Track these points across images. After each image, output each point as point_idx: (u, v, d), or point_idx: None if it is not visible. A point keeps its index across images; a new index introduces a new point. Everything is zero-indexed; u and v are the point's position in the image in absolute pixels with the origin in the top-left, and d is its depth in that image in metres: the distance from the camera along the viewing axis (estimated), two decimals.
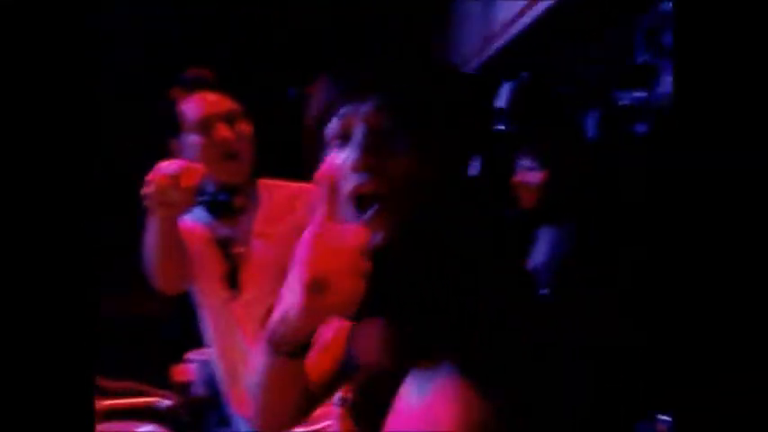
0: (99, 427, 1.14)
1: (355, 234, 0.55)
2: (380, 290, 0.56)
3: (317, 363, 0.70)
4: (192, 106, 1.24)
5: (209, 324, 1.29)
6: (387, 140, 0.56)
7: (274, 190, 1.35)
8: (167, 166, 1.09)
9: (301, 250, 0.56)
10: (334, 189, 0.57)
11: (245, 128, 1.25)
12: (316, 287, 0.54)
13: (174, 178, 1.08)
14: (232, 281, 1.26)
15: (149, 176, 1.09)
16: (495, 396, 0.52)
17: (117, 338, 1.96)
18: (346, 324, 0.73)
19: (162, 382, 1.67)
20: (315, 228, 0.56)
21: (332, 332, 0.71)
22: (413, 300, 0.56)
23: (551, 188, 1.41)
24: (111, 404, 1.18)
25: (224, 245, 1.28)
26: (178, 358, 1.68)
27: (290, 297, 0.57)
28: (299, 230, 1.29)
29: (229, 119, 1.23)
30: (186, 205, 1.13)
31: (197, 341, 1.47)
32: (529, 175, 1.56)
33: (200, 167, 1.12)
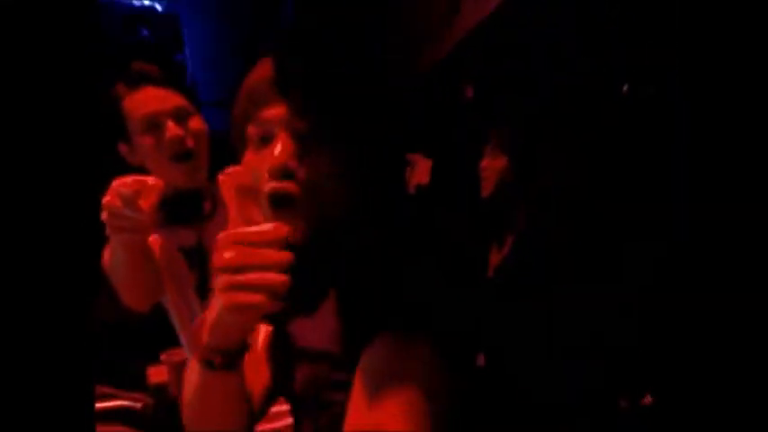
0: None
1: (272, 229, 0.53)
2: (309, 282, 0.57)
3: (255, 378, 0.67)
4: (136, 105, 1.15)
5: (183, 337, 1.26)
6: (305, 144, 0.56)
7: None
8: (121, 186, 0.95)
9: (217, 253, 0.55)
10: (243, 189, 0.57)
11: (198, 125, 1.17)
12: (233, 285, 0.52)
13: (130, 200, 0.94)
14: (205, 291, 1.20)
15: (104, 199, 0.96)
16: (450, 358, 0.53)
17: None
18: (270, 330, 0.72)
19: (137, 384, 1.67)
20: (228, 228, 0.56)
21: (261, 343, 0.70)
22: (350, 285, 0.57)
23: (509, 176, 1.43)
24: None
25: (193, 254, 1.22)
26: (154, 359, 1.68)
27: (215, 303, 0.56)
28: None
29: (179, 116, 1.15)
30: (148, 227, 1.01)
31: (172, 341, 1.45)
32: (492, 160, 1.59)
33: (158, 183, 0.99)
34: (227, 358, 0.59)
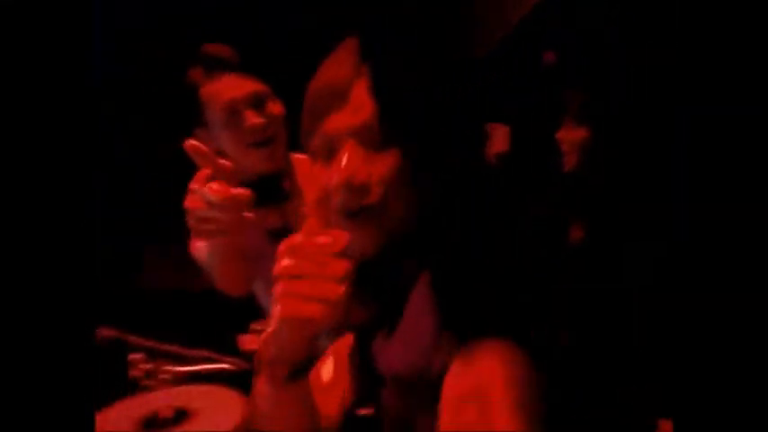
0: (180, 388, 1.25)
1: (331, 239, 0.51)
2: (386, 294, 0.55)
3: (325, 401, 0.63)
4: (214, 93, 1.12)
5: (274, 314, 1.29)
6: (374, 151, 0.54)
7: (307, 164, 1.28)
8: (208, 191, 0.87)
9: (277, 261, 0.54)
10: (322, 203, 0.56)
11: (276, 108, 1.14)
12: (289, 294, 0.51)
13: (222, 205, 0.87)
14: None
15: (187, 204, 0.90)
16: (535, 352, 0.50)
17: (185, 310, 2.13)
18: (344, 347, 0.68)
19: (230, 350, 1.80)
20: (291, 238, 0.54)
21: (332, 363, 0.66)
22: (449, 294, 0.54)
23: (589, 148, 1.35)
24: (188, 370, 1.30)
25: (280, 235, 1.21)
26: (244, 328, 1.80)
27: (274, 312, 0.54)
28: None
29: (257, 102, 1.12)
30: (239, 227, 0.91)
31: (260, 312, 1.53)
32: (570, 131, 1.51)
33: (246, 192, 0.89)
34: (290, 370, 0.56)
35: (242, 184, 1.14)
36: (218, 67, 1.13)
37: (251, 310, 1.61)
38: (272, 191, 1.22)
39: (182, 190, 1.01)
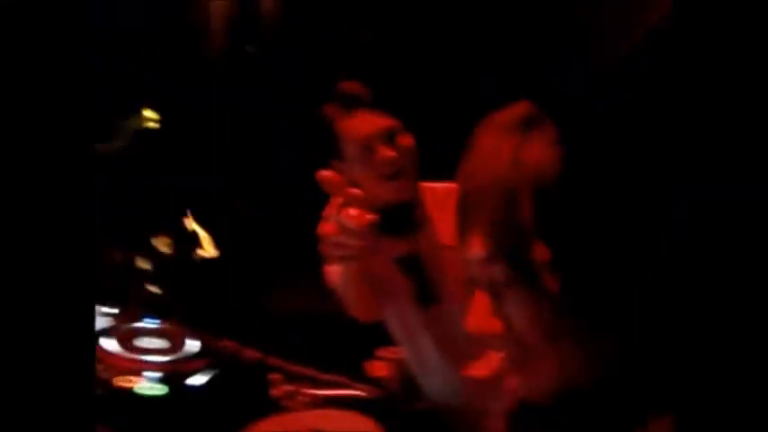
0: (318, 412, 1.29)
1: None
2: None
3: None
4: (351, 128, 1.19)
5: (403, 343, 1.30)
6: None
7: (437, 194, 1.27)
8: (345, 218, 0.90)
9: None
10: None
11: (407, 141, 1.20)
12: None
13: (357, 232, 0.90)
14: (427, 299, 1.23)
15: (323, 230, 0.94)
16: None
17: (313, 334, 2.21)
18: None
19: (356, 374, 1.83)
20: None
21: None
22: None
23: None
24: (326, 394, 1.35)
25: (409, 263, 1.23)
26: (369, 353, 1.82)
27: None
28: None
29: (389, 136, 1.18)
30: (368, 257, 0.97)
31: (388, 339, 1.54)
32: None
33: (371, 218, 0.90)
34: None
35: (373, 212, 1.19)
36: (352, 103, 1.21)
37: (379, 336, 1.64)
38: (401, 220, 1.25)
39: (310, 216, 1.09)
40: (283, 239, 2.45)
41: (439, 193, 1.28)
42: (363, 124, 1.19)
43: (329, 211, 0.94)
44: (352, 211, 0.90)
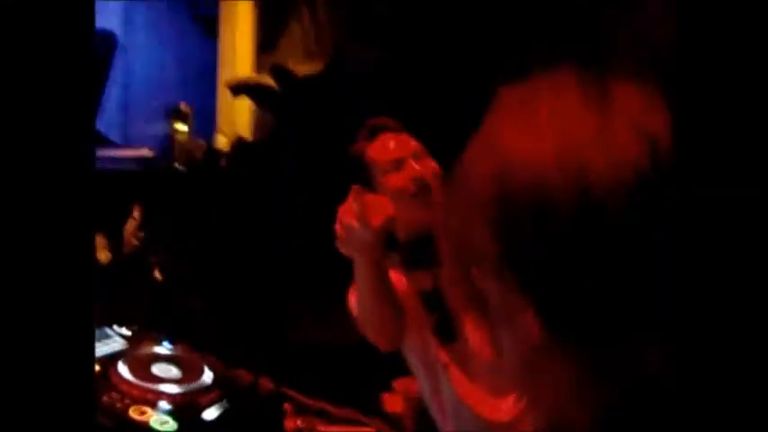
0: None
1: None
2: None
3: None
4: (380, 149, 1.23)
5: (422, 379, 1.26)
6: None
7: None
8: (354, 202, 1.03)
9: None
10: None
11: (434, 166, 1.22)
12: None
13: (360, 216, 1.03)
14: (446, 334, 1.21)
15: (340, 217, 1.05)
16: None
17: (330, 365, 2.18)
18: None
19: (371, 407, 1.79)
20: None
21: None
22: None
23: None
24: (338, 431, 1.32)
25: (431, 297, 1.22)
26: (386, 385, 1.79)
27: None
28: None
29: (417, 157, 1.21)
30: (379, 246, 1.07)
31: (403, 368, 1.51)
32: None
33: (386, 201, 1.07)
34: None
35: (399, 246, 1.19)
36: (379, 131, 1.25)
37: (395, 369, 1.60)
38: (425, 253, 1.24)
39: (325, 247, 1.15)
40: (301, 268, 2.45)
41: None
42: (393, 144, 1.23)
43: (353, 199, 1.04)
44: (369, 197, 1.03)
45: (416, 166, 1.19)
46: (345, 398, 1.71)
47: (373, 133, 1.26)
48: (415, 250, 1.23)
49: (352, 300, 1.23)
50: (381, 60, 2.62)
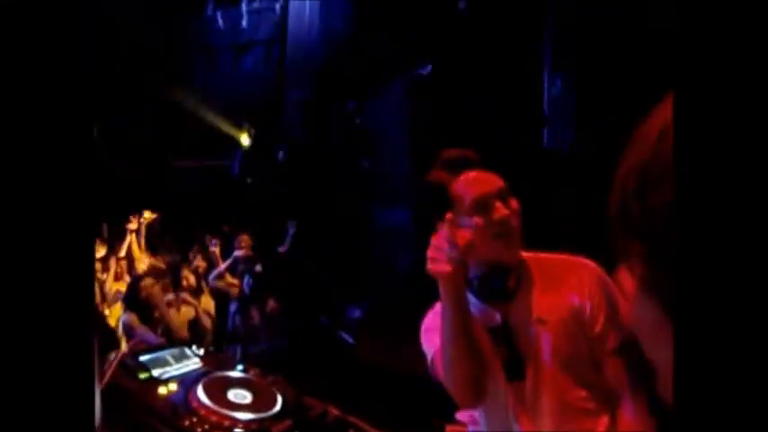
0: None
1: None
2: None
3: None
4: (467, 186, 1.24)
5: (485, 416, 1.27)
6: None
7: (543, 265, 1.28)
8: (445, 229, 1.13)
9: None
10: None
11: (516, 204, 1.23)
12: None
13: (449, 237, 1.11)
14: (514, 372, 1.21)
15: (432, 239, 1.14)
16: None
17: (394, 389, 2.19)
18: None
19: None
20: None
21: None
22: None
23: None
24: None
25: (499, 333, 1.23)
26: (449, 416, 1.78)
27: None
28: (576, 312, 1.25)
29: (503, 196, 1.22)
30: (463, 265, 1.13)
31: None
32: None
33: (467, 234, 1.13)
34: None
35: (473, 278, 1.19)
36: (462, 166, 1.26)
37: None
38: (496, 288, 1.25)
39: (395, 274, 1.16)
40: (371, 295, 2.48)
41: (544, 264, 1.27)
42: (480, 183, 1.23)
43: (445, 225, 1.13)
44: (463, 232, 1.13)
45: (503, 209, 1.20)
46: (409, 427, 1.71)
47: (452, 165, 1.26)
48: (487, 284, 1.24)
49: (437, 361, 1.23)
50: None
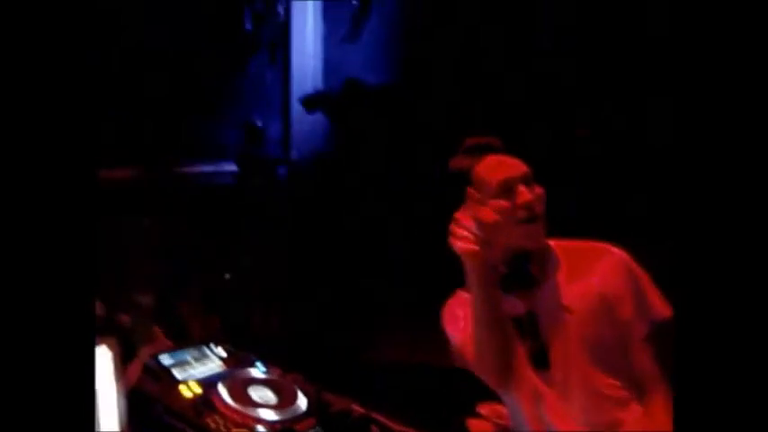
0: None
1: None
2: None
3: None
4: (491, 170, 1.21)
5: (515, 409, 1.24)
6: None
7: (568, 252, 1.25)
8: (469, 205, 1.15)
9: None
10: None
11: (540, 190, 1.21)
12: None
13: (475, 214, 1.12)
14: (541, 361, 1.19)
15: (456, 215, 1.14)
16: None
17: (414, 386, 2.17)
18: None
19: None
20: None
21: None
22: None
23: None
24: None
25: (524, 322, 1.20)
26: (470, 410, 1.75)
27: None
28: (603, 300, 1.23)
29: (527, 181, 1.20)
30: (490, 244, 1.12)
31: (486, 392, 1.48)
32: None
33: (492, 213, 1.13)
34: None
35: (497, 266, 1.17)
36: (485, 152, 1.24)
37: (482, 390, 1.56)
38: (521, 276, 1.22)
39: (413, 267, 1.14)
40: (392, 292, 2.47)
41: (570, 252, 1.25)
42: (505, 167, 1.21)
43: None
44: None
45: (527, 193, 1.18)
46: (431, 422, 1.69)
47: (476, 151, 1.24)
48: (513, 271, 1.21)
49: (462, 346, 1.21)
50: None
